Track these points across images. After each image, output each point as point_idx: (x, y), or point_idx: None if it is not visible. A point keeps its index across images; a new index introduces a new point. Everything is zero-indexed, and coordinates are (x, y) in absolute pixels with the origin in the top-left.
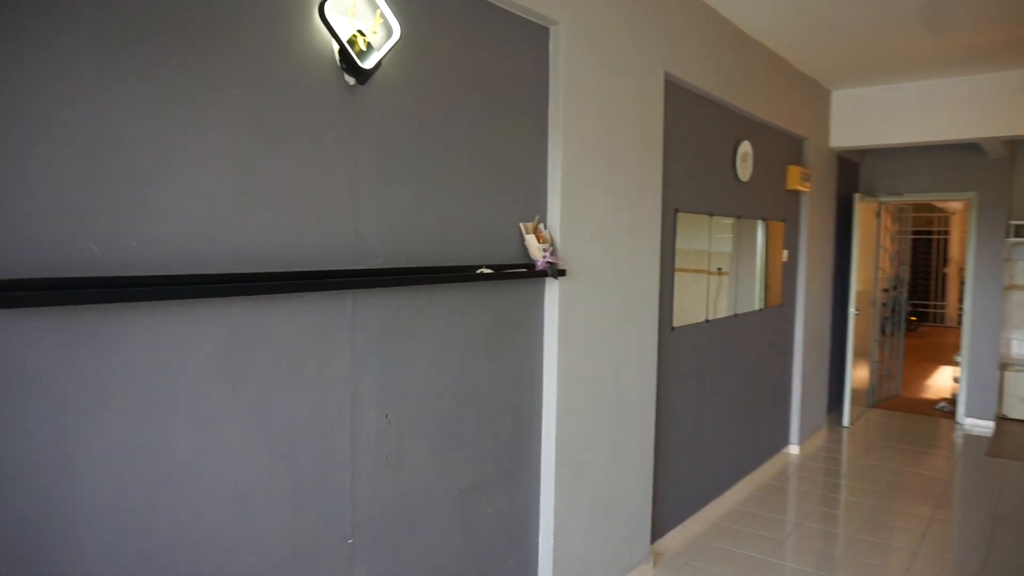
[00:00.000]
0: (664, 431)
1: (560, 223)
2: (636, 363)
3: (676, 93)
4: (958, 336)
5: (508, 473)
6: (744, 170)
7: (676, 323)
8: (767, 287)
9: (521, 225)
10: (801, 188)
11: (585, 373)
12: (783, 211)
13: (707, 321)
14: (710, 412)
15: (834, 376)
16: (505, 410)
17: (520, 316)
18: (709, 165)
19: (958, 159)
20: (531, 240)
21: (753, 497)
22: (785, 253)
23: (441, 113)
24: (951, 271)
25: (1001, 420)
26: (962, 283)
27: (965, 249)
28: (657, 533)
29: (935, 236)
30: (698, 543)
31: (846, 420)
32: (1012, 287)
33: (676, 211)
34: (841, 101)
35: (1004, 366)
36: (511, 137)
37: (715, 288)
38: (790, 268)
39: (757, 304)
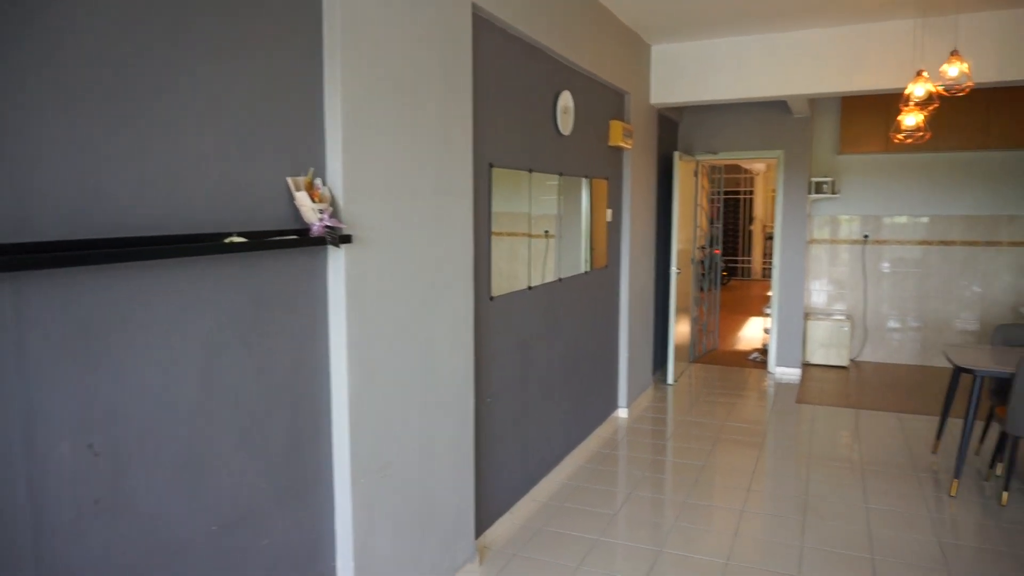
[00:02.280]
0: (486, 413)
1: (343, 178)
2: (449, 341)
3: (488, 31)
4: (764, 289)
5: (288, 492)
6: (565, 123)
7: (495, 292)
8: (592, 249)
9: (290, 180)
10: (624, 145)
11: (385, 358)
12: (606, 169)
13: (530, 288)
14: (536, 385)
15: (658, 335)
16: (277, 414)
17: (292, 295)
18: (528, 116)
19: (768, 118)
20: (303, 199)
21: (584, 469)
22: (609, 213)
23: (157, 13)
24: (756, 228)
25: (806, 367)
26: (766, 239)
27: (768, 207)
28: (484, 524)
29: (741, 196)
30: (528, 529)
31: (671, 378)
32: (812, 241)
33: (491, 166)
34: (661, 56)
35: (806, 315)
36: (272, 63)
37: (538, 252)
38: (614, 228)
39: (583, 267)
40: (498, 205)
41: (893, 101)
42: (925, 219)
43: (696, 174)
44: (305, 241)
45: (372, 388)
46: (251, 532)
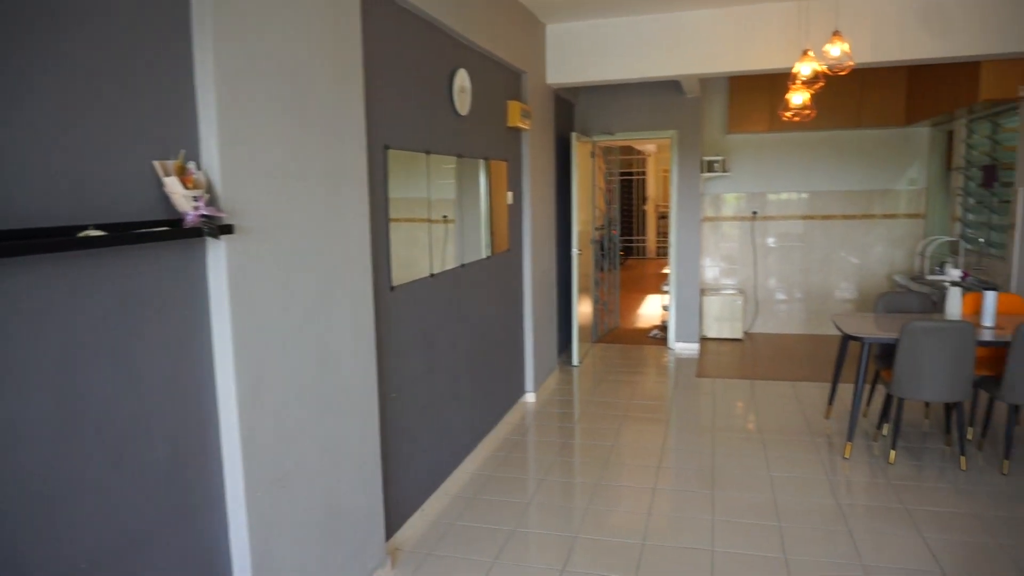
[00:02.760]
0: (392, 409)
1: (220, 161)
2: (348, 336)
3: (379, 5)
4: (659, 267)
5: (174, 516)
6: (463, 103)
7: (396, 281)
8: (493, 233)
9: (157, 164)
10: (522, 125)
11: (278, 359)
12: (505, 150)
13: (432, 275)
14: (443, 376)
15: (562, 317)
16: (156, 430)
17: (167, 294)
18: (424, 96)
19: (661, 98)
20: (173, 185)
21: (494, 458)
22: (510, 195)
23: None
24: (649, 208)
25: (703, 341)
26: (659, 219)
27: (660, 187)
28: (394, 525)
29: (635, 176)
30: (441, 525)
31: (575, 359)
32: (706, 219)
33: (387, 148)
34: (556, 35)
35: (701, 291)
36: (133, 32)
37: (440, 238)
38: (515, 211)
39: (485, 252)
40: (396, 190)
41: (777, 81)
42: (807, 195)
43: (593, 155)
44: (178, 233)
45: (264, 393)
46: (132, 564)
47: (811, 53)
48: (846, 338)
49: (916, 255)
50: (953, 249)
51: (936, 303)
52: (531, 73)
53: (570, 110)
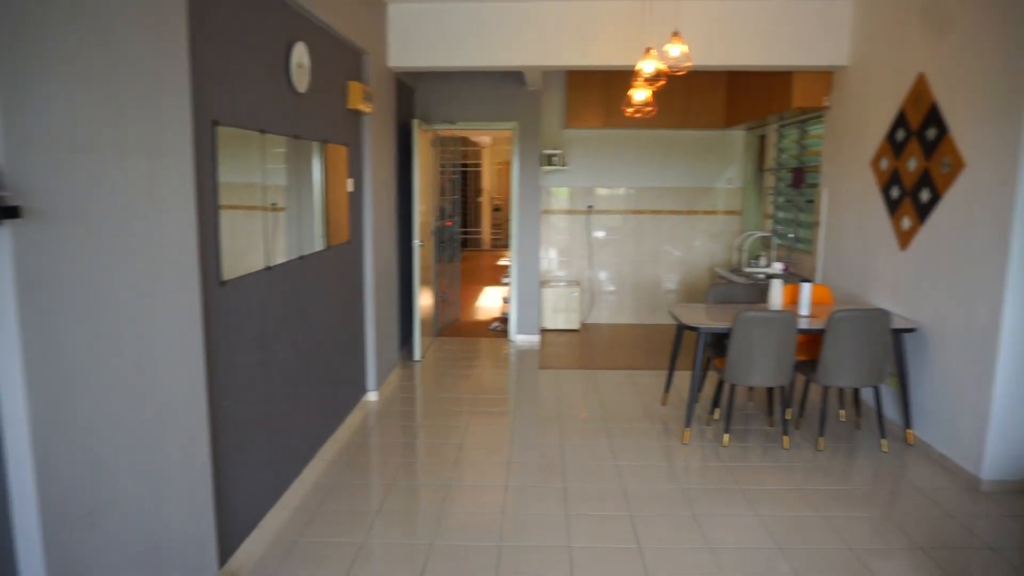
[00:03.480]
0: (224, 419)
1: (3, 129)
2: (172, 338)
3: None
4: (494, 259)
5: None
6: (301, 80)
7: (227, 275)
8: (334, 222)
9: None
10: (363, 108)
11: (85, 371)
12: (345, 134)
13: (268, 268)
14: (280, 378)
15: (402, 311)
16: None
17: None
18: (259, 69)
19: (503, 89)
20: None
21: (337, 464)
22: (350, 182)
23: None
24: (484, 200)
25: (543, 332)
26: (494, 211)
27: (495, 180)
28: (229, 548)
29: (469, 168)
30: (283, 543)
31: (417, 354)
32: (546, 212)
33: (216, 124)
34: (398, 16)
35: (541, 283)
36: None
37: (275, 227)
38: (356, 200)
39: (324, 242)
40: (227, 173)
41: (613, 78)
42: (637, 191)
43: (434, 144)
44: None
45: (67, 412)
46: None
47: (653, 52)
48: (681, 328)
49: (735, 249)
50: (766, 244)
51: (761, 293)
52: (372, 54)
53: (410, 96)
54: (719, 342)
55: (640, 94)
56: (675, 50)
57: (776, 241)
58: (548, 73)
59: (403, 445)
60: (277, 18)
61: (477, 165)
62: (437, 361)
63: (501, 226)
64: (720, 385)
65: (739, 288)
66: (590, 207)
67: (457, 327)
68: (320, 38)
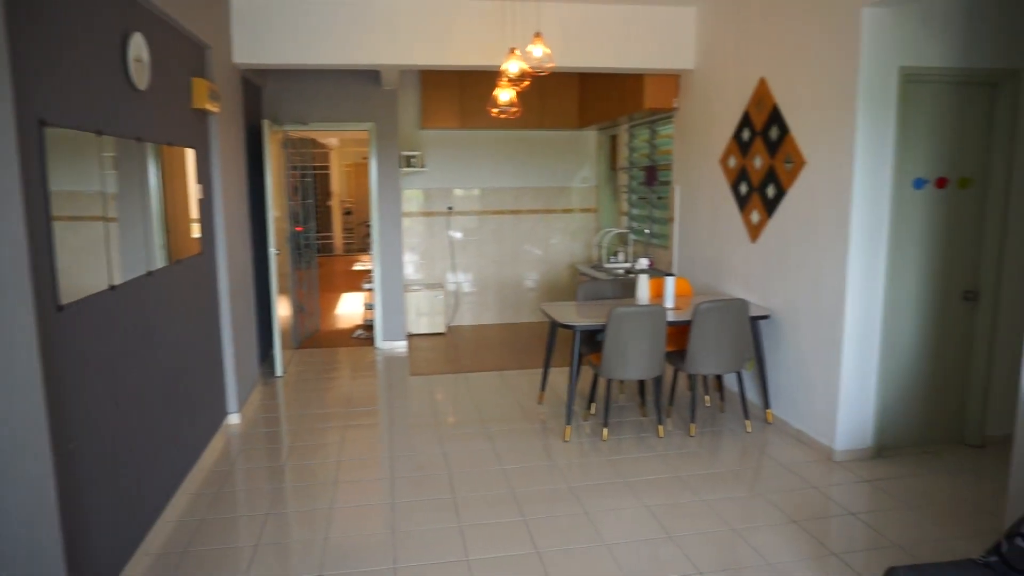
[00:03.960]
0: (70, 463)
1: None
2: (2, 376)
3: None
4: (348, 264)
5: None
6: (140, 75)
7: (66, 298)
8: (183, 233)
9: None
10: (210, 108)
11: None
12: (192, 135)
13: (112, 288)
14: (133, 410)
15: (261, 324)
16: None
17: None
18: (93, 63)
19: (357, 89)
20: None
21: (204, 498)
22: (199, 188)
23: None
24: (334, 204)
25: (410, 337)
26: (345, 215)
27: (344, 183)
28: None
29: (317, 171)
30: None
31: (279, 369)
32: (406, 214)
33: (43, 124)
34: (243, 9)
35: (404, 287)
36: None
37: (119, 241)
38: (207, 207)
39: (173, 255)
40: (60, 180)
41: (467, 79)
42: (497, 191)
43: (284, 146)
44: None
45: None
46: None
47: (517, 52)
48: (555, 326)
49: (594, 246)
50: (623, 240)
51: (626, 288)
52: (216, 49)
53: (258, 95)
54: (591, 338)
55: (505, 94)
56: (538, 51)
57: (632, 237)
58: (402, 73)
59: (273, 470)
60: (111, 6)
61: (325, 168)
62: (301, 375)
63: (353, 230)
64: (594, 380)
65: (606, 284)
66: (450, 208)
67: (318, 338)
68: (160, 30)
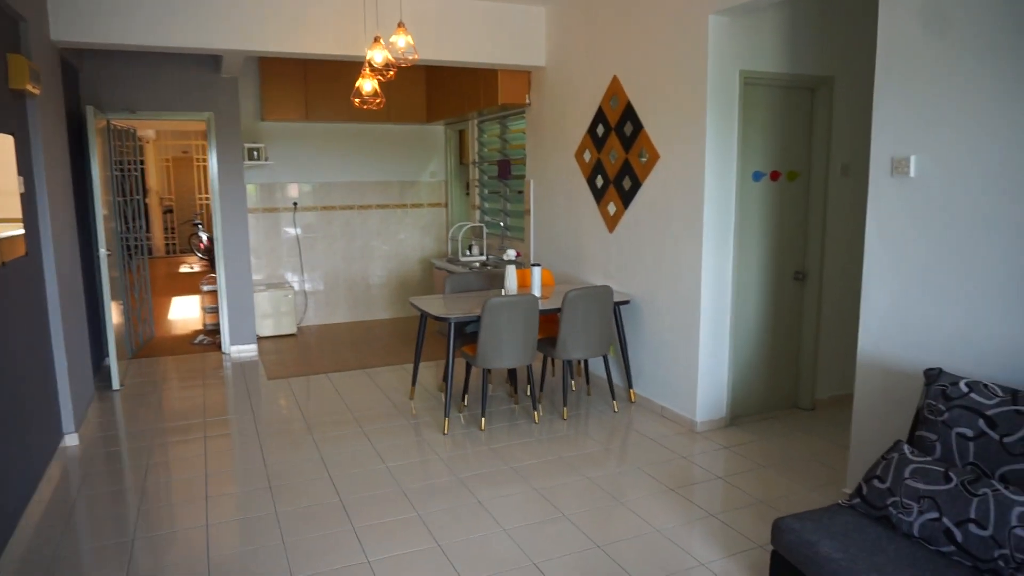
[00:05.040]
0: None
1: None
2: None
3: None
4: (173, 266)
5: None
6: None
7: None
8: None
9: None
10: (31, 90)
11: None
12: (10, 120)
13: None
14: None
15: (92, 333)
16: None
17: None
18: None
19: (194, 75)
20: None
21: (46, 532)
22: (20, 181)
23: None
24: (152, 202)
25: (260, 340)
26: (165, 212)
27: (162, 178)
28: None
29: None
30: None
31: (116, 382)
32: (251, 211)
33: None
34: None
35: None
36: None
37: None
38: (29, 203)
39: None
40: None
41: (311, 69)
42: (345, 186)
43: (104, 137)
44: None
45: None
46: None
47: (382, 41)
48: (425, 320)
49: (449, 240)
50: (477, 233)
51: (491, 279)
52: (32, 22)
53: (75, 78)
54: (461, 330)
55: (368, 84)
56: (401, 41)
57: (486, 231)
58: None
59: (130, 491)
60: None
61: (140, 162)
62: (142, 387)
63: (175, 230)
64: (467, 372)
65: (472, 276)
66: (295, 204)
67: (155, 345)
68: None
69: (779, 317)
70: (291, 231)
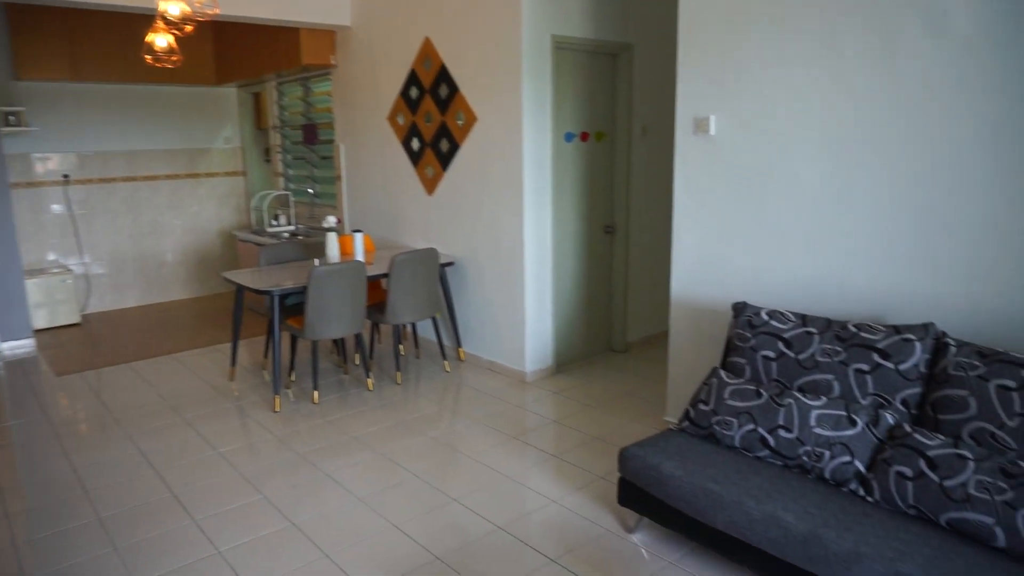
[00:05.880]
0: None
1: None
2: None
3: None
4: None
5: None
6: None
7: None
8: None
9: None
10: None
11: None
12: None
13: None
14: None
15: None
16: None
17: None
18: None
19: None
20: None
21: None
22: None
23: None
24: None
25: (37, 334)
26: None
27: None
28: None
29: None
30: None
31: None
32: (17, 185)
33: None
34: None
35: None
36: None
37: None
38: None
39: None
40: None
41: (78, 20)
42: (127, 155)
43: None
44: None
45: None
46: None
47: None
48: (241, 295)
49: (252, 210)
50: (283, 202)
51: (307, 249)
52: None
53: None
54: (281, 302)
55: (162, 40)
56: None
57: (293, 199)
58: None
59: None
60: None
61: None
62: None
63: None
64: (293, 346)
65: (288, 247)
66: (66, 177)
67: None
68: None
69: (593, 269)
70: (61, 208)
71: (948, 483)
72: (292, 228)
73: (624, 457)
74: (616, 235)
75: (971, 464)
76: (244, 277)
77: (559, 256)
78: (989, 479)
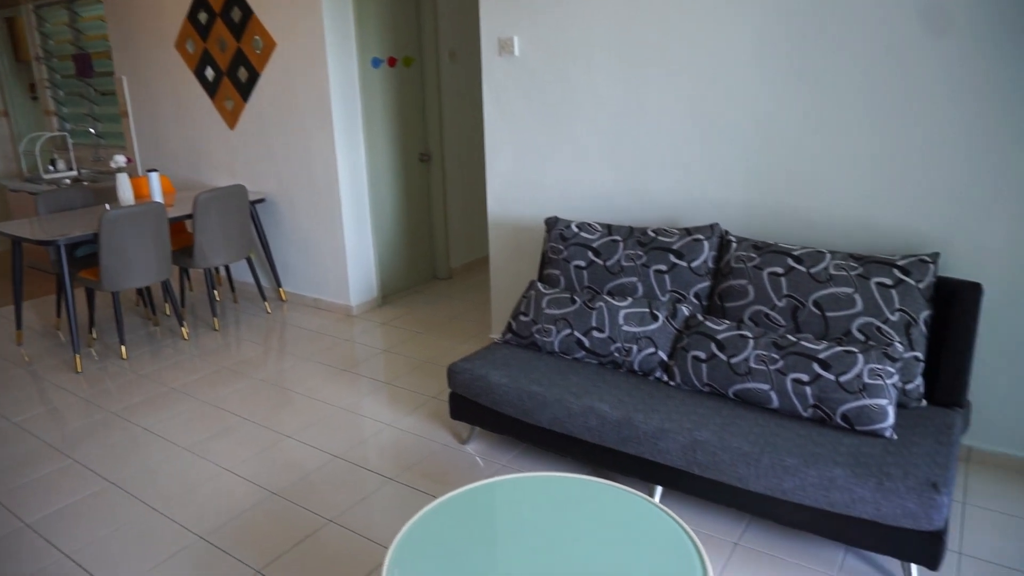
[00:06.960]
0: None
1: None
2: None
3: None
4: None
5: None
6: None
7: None
8: None
9: None
10: None
11: None
12: None
13: None
14: None
15: None
16: None
17: None
18: None
19: None
20: None
21: None
22: None
23: None
24: None
25: None
26: None
27: None
28: None
29: None
30: None
31: None
32: None
33: None
34: None
35: None
36: None
37: None
38: None
39: None
40: None
41: None
42: None
43: None
44: None
45: None
46: None
47: None
48: (19, 249)
49: (23, 155)
50: (59, 145)
51: (95, 195)
52: None
53: None
54: (70, 254)
55: None
56: None
57: (71, 141)
58: None
59: None
60: None
61: None
62: None
63: None
64: (90, 300)
65: (71, 193)
66: None
67: None
68: None
69: (412, 198)
70: None
71: (734, 360)
72: (74, 173)
73: (453, 372)
74: (432, 162)
75: (751, 342)
76: (21, 228)
77: (376, 187)
78: (764, 352)
